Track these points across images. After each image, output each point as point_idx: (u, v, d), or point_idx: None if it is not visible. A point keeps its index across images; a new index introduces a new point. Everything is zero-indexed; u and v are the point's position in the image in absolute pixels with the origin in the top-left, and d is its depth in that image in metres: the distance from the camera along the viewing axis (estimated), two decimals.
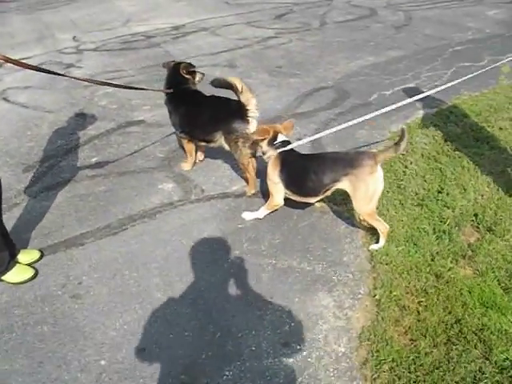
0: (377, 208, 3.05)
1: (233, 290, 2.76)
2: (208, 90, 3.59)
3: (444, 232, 3.14)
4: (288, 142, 3.10)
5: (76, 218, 3.41)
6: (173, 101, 3.66)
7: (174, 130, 3.87)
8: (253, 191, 3.57)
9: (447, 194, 3.47)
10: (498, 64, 4.45)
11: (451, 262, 2.90)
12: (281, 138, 3.08)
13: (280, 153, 3.06)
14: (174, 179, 3.82)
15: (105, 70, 6.37)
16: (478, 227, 3.21)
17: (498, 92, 5.24)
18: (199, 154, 4.01)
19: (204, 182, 3.78)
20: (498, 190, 3.56)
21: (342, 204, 3.41)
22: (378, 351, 2.36)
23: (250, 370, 2.29)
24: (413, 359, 2.31)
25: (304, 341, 2.43)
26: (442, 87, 4.02)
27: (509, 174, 3.75)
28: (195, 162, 3.98)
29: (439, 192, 3.52)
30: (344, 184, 2.89)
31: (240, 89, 3.24)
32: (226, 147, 3.49)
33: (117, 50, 7.21)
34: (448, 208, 3.34)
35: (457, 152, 4.01)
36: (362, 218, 3.08)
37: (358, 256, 2.99)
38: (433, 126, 4.50)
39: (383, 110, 3.51)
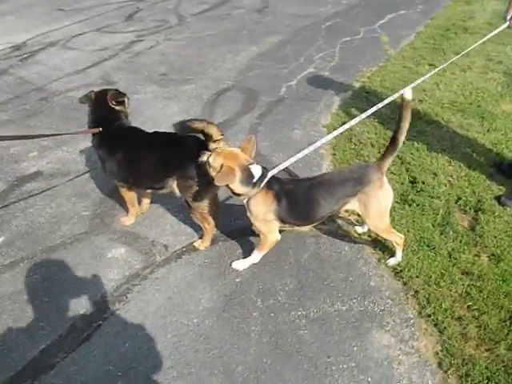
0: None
1: (279, 363, 2.23)
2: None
3: (444, 225, 3.01)
4: (265, 169, 2.47)
5: None
6: (105, 143, 2.85)
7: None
8: (207, 245, 2.91)
9: (423, 183, 3.36)
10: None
11: (470, 255, 2.79)
12: (255, 169, 2.40)
13: (268, 186, 2.46)
14: (121, 241, 3.02)
15: None
16: (464, 210, 3.15)
17: (393, 63, 5.35)
18: (144, 201, 3.24)
19: (160, 235, 3.06)
20: (460, 166, 3.54)
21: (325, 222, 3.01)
22: (468, 375, 2.15)
23: None
24: (505, 369, 2.16)
25: None
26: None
27: (459, 147, 3.77)
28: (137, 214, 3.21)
29: (413, 182, 3.38)
30: (353, 204, 2.53)
31: (216, 136, 2.50)
32: (178, 194, 2.76)
33: None
34: (433, 198, 3.23)
35: None
36: (374, 234, 2.75)
37: (382, 276, 2.69)
38: (360, 111, 4.34)
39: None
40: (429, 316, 2.43)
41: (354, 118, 2.77)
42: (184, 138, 2.66)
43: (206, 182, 2.53)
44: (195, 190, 2.65)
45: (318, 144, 2.67)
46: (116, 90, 2.96)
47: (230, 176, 2.33)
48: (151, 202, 3.28)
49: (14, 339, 2.40)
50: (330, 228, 3.02)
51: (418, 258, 2.74)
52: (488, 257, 2.79)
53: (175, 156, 2.67)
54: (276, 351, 2.28)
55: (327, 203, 2.50)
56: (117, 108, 2.88)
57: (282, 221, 2.55)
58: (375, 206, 2.49)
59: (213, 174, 2.38)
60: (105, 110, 2.86)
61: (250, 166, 2.39)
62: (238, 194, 2.46)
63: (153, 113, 4.53)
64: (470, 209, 3.14)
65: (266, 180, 2.43)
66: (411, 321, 2.42)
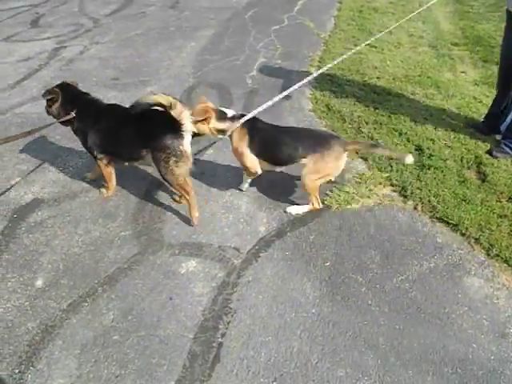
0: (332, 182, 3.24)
1: (409, 325, 2.42)
2: None
3: (463, 181, 3.42)
4: (242, 114, 3.05)
5: None
6: (84, 120, 3.09)
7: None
8: (196, 215, 3.06)
9: (428, 149, 3.74)
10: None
11: (494, 201, 3.22)
12: (225, 109, 3.04)
13: (244, 124, 2.98)
14: (186, 254, 2.86)
15: None
16: (468, 167, 3.62)
17: (334, 46, 5.79)
18: None
19: (222, 239, 2.98)
20: (446, 130, 4.02)
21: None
22: None
23: None
24: None
25: None
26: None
27: (435, 115, 4.26)
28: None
29: (419, 150, 3.76)
30: (309, 160, 2.93)
31: (169, 104, 2.69)
32: (154, 167, 2.96)
33: None
34: (443, 160, 3.62)
35: (379, 111, 4.26)
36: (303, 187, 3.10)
37: (443, 233, 3.02)
38: (332, 92, 4.63)
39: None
40: (497, 256, 2.80)
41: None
42: (157, 112, 2.78)
43: (179, 155, 2.81)
44: (167, 162, 2.84)
45: (285, 93, 3.32)
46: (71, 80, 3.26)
47: (207, 113, 2.92)
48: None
49: None
50: (374, 201, 3.25)
51: (462, 211, 3.11)
52: (507, 200, 3.26)
53: (149, 128, 2.86)
54: (400, 316, 2.46)
55: (288, 149, 2.95)
56: (83, 91, 3.19)
57: (257, 156, 3.03)
58: (321, 168, 2.92)
59: (194, 119, 2.85)
60: (74, 94, 3.14)
61: (220, 108, 3.04)
62: (222, 131, 2.99)
63: None
64: (472, 164, 3.62)
65: (243, 119, 2.97)
66: (485, 263, 2.78)
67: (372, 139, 3.87)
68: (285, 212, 3.17)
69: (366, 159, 3.66)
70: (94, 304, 2.55)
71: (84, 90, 3.23)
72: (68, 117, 3.07)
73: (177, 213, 3.18)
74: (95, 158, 3.18)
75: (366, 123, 4.09)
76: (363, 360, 2.24)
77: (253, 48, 5.70)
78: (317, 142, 2.93)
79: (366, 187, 3.36)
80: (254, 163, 3.07)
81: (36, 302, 2.57)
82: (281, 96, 3.27)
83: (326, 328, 2.40)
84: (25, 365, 2.26)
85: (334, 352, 2.29)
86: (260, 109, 3.09)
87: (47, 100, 3.14)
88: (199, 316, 2.47)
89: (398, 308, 2.50)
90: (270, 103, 3.16)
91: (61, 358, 2.28)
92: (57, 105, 3.12)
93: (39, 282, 2.70)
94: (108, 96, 4.65)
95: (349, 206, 3.20)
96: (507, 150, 3.69)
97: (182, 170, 2.88)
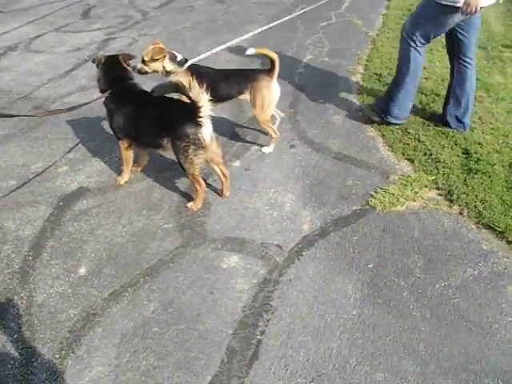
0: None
1: (451, 332, 2.39)
2: None
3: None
4: (185, 59, 3.48)
5: None
6: (114, 100, 3.21)
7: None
8: (198, 206, 3.20)
9: (475, 153, 3.64)
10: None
11: None
12: (176, 54, 3.46)
13: (189, 67, 3.43)
14: (228, 249, 2.92)
15: None
16: None
17: (381, 44, 5.70)
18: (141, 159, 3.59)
19: (265, 235, 3.00)
20: (494, 135, 3.90)
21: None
22: None
23: None
24: None
25: None
26: None
27: (485, 118, 4.15)
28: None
29: (466, 153, 3.68)
30: (246, 95, 3.51)
31: (188, 85, 2.83)
32: (173, 155, 3.08)
33: None
34: (491, 165, 3.53)
35: (426, 112, 4.24)
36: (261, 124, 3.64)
37: (488, 240, 2.96)
38: (379, 92, 4.57)
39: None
40: None
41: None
42: (176, 100, 3.02)
43: (198, 144, 2.91)
44: (186, 151, 2.93)
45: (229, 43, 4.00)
46: (125, 53, 3.39)
47: (161, 52, 3.34)
48: (237, 201, 3.29)
49: (173, 379, 2.21)
50: (420, 204, 3.22)
51: (509, 218, 3.02)
52: None
53: (171, 117, 2.98)
54: (442, 323, 2.44)
55: (227, 87, 3.49)
56: (128, 68, 3.28)
57: None
58: (259, 99, 3.45)
59: (147, 57, 3.35)
60: (117, 71, 3.24)
61: (173, 51, 3.45)
62: (169, 72, 3.42)
63: None
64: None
65: (188, 63, 3.44)
66: None
67: (418, 140, 3.82)
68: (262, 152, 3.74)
69: (412, 161, 3.62)
70: (135, 294, 2.62)
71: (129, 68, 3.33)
72: (103, 95, 3.23)
73: (221, 207, 3.23)
74: (118, 139, 3.30)
75: (413, 124, 4.04)
76: (402, 365, 2.24)
77: (300, 44, 5.69)
78: (249, 78, 3.48)
79: (412, 189, 3.33)
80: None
81: (78, 290, 2.66)
82: (223, 46, 3.93)
83: (366, 331, 2.40)
84: (65, 351, 2.33)
85: (373, 355, 2.29)
86: (202, 56, 3.67)
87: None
88: (239, 312, 2.51)
89: (440, 314, 2.48)
90: (213, 51, 3.81)
91: (100, 346, 2.35)
92: (98, 76, 3.30)
93: (82, 270, 2.78)
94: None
95: (393, 208, 3.18)
96: None
97: (200, 160, 2.97)
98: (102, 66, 3.24)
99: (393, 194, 3.28)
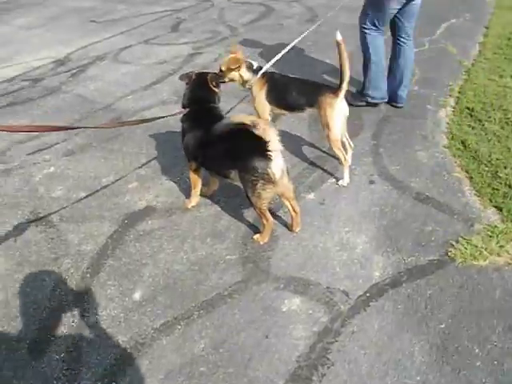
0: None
1: None
2: None
3: None
4: (260, 66, 3.51)
5: None
6: (191, 119, 3.14)
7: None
8: (265, 240, 3.02)
9: None
10: None
11: None
12: (251, 61, 3.50)
13: (263, 75, 3.46)
14: (291, 290, 2.72)
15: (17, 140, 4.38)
16: None
17: (475, 75, 5.20)
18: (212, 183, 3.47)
19: (332, 279, 2.78)
20: None
21: None
22: None
23: None
24: None
25: None
26: None
27: None
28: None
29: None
30: (315, 109, 3.39)
31: (252, 124, 2.62)
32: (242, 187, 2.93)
33: (4, 107, 5.04)
34: None
35: None
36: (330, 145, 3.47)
37: None
38: (472, 128, 4.18)
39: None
40: None
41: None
42: (246, 132, 2.65)
43: (266, 179, 2.72)
44: (254, 185, 2.75)
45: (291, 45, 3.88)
46: (215, 72, 3.34)
47: (238, 62, 3.38)
48: (307, 238, 3.09)
49: None
50: (505, 260, 2.85)
51: None
52: None
53: (240, 148, 2.77)
54: None
55: (297, 96, 3.41)
56: (214, 89, 3.18)
57: (270, 103, 3.50)
58: (327, 116, 3.30)
59: (224, 67, 3.42)
60: (202, 90, 3.17)
61: (249, 60, 3.51)
62: (245, 81, 3.47)
63: None
64: None
65: (262, 71, 3.46)
66: None
67: (509, 187, 3.43)
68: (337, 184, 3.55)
69: (500, 209, 3.24)
70: (188, 328, 2.49)
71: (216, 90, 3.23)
72: (177, 112, 3.21)
73: (289, 242, 3.06)
74: (188, 160, 3.22)
75: (505, 167, 3.64)
76: None
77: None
78: (318, 91, 3.36)
79: (497, 242, 2.96)
80: (266, 112, 3.55)
81: (130, 316, 2.58)
82: (287, 49, 3.79)
83: None
84: (108, 378, 2.25)
85: None
86: (272, 61, 3.61)
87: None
88: (293, 362, 2.32)
89: None
90: (279, 56, 3.68)
91: (144, 379, 2.24)
92: (184, 91, 3.27)
93: (137, 295, 2.70)
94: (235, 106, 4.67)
95: (475, 262, 2.84)
96: None
97: (269, 194, 2.81)
98: (191, 81, 3.20)
99: (476, 246, 2.94)
